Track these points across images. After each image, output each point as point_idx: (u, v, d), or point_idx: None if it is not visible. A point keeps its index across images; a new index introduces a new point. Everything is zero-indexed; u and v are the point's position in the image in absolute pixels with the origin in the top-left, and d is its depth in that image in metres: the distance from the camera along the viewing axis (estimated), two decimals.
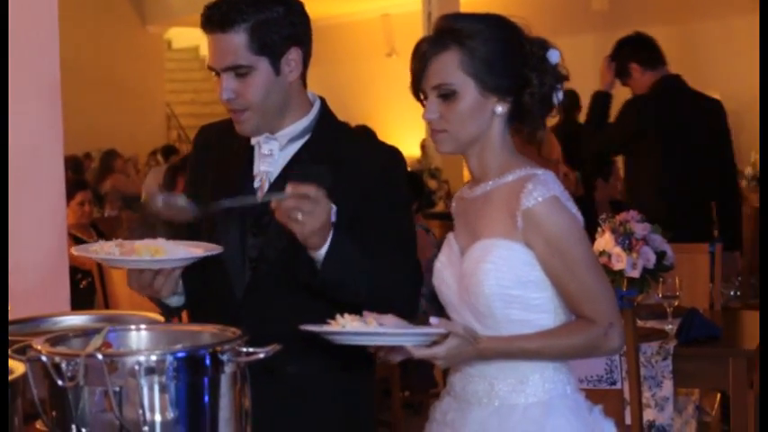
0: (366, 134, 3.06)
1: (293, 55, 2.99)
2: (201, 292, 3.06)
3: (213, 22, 2.94)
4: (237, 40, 2.92)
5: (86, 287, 7.18)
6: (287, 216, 2.67)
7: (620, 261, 4.72)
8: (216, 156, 3.15)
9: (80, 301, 4.49)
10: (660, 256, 4.76)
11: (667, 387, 4.58)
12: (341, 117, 3.15)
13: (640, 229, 4.80)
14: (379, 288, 2.86)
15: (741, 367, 4.57)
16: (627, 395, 4.29)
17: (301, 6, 3.03)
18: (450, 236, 2.90)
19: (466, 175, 3.02)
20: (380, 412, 6.77)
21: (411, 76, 2.79)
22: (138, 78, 18.81)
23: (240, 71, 2.94)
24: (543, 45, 2.77)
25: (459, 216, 2.91)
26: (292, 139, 3.04)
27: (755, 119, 6.72)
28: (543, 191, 2.67)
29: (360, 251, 2.83)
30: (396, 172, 3.08)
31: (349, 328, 2.52)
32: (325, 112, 3.11)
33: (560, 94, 2.78)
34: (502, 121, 2.77)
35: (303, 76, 3.06)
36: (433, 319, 2.59)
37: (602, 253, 4.77)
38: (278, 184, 2.95)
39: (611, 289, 2.78)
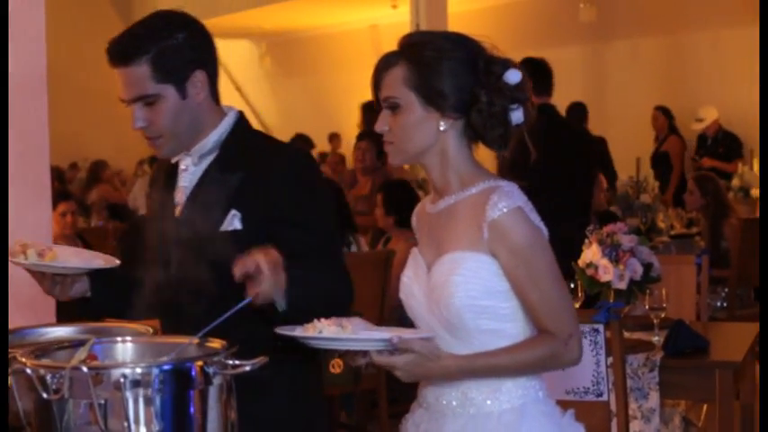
0: (276, 142, 3.15)
1: (198, 77, 3.09)
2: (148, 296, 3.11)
3: (116, 57, 3.07)
4: (141, 71, 3.03)
5: (69, 302, 7.14)
6: (247, 273, 2.75)
7: (608, 272, 4.71)
8: (160, 181, 3.29)
9: (65, 312, 4.46)
10: (647, 267, 4.76)
11: (654, 398, 4.59)
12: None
13: (627, 240, 4.79)
14: (330, 298, 2.97)
15: (727, 379, 4.57)
16: (613, 407, 4.29)
17: (202, 27, 3.14)
18: (416, 250, 2.94)
19: None
20: (367, 423, 6.77)
21: (371, 89, 2.87)
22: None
23: (148, 100, 3.06)
24: (505, 65, 2.79)
25: (423, 230, 2.96)
26: (204, 155, 3.15)
27: (746, 128, 6.77)
28: (508, 202, 2.70)
29: (307, 276, 2.88)
30: (303, 173, 3.11)
31: (326, 333, 2.56)
32: (239, 125, 3.19)
33: (519, 115, 2.79)
34: (455, 136, 2.81)
35: (213, 94, 3.15)
36: (393, 337, 2.60)
37: (589, 264, 4.77)
38: (192, 198, 3.11)
39: (571, 301, 2.83)
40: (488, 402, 2.76)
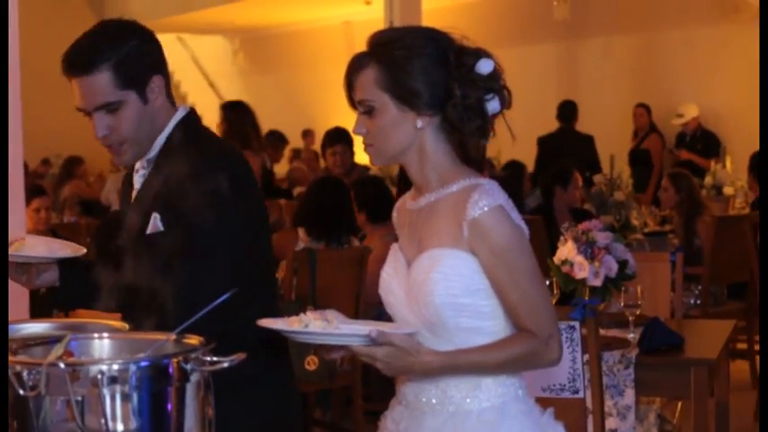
0: (208, 142, 3.14)
1: (156, 82, 3.13)
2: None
3: (76, 67, 3.08)
4: (103, 79, 3.05)
5: (46, 294, 7.12)
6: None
7: (583, 270, 4.71)
8: (128, 181, 3.32)
9: (39, 308, 4.44)
10: (622, 264, 4.76)
11: (629, 396, 4.60)
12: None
13: (602, 237, 4.79)
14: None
15: (702, 376, 4.58)
16: (589, 404, 4.30)
17: (151, 34, 3.17)
18: (396, 246, 2.92)
19: None
20: (342, 420, 6.77)
21: (344, 89, 2.85)
22: None
23: (111, 108, 3.08)
24: (476, 55, 2.78)
25: (403, 227, 2.95)
26: (150, 159, 3.17)
27: (721, 126, 6.79)
28: (489, 200, 2.69)
29: None
30: (215, 176, 3.01)
31: (312, 327, 2.57)
32: (184, 123, 3.19)
33: (495, 104, 2.78)
34: (432, 132, 2.79)
35: (169, 96, 3.18)
36: (372, 331, 2.60)
37: (564, 261, 4.76)
38: (136, 200, 3.17)
39: (550, 301, 2.82)
40: (468, 400, 2.76)
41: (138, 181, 3.19)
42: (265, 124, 14.00)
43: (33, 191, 7.93)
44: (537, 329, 2.70)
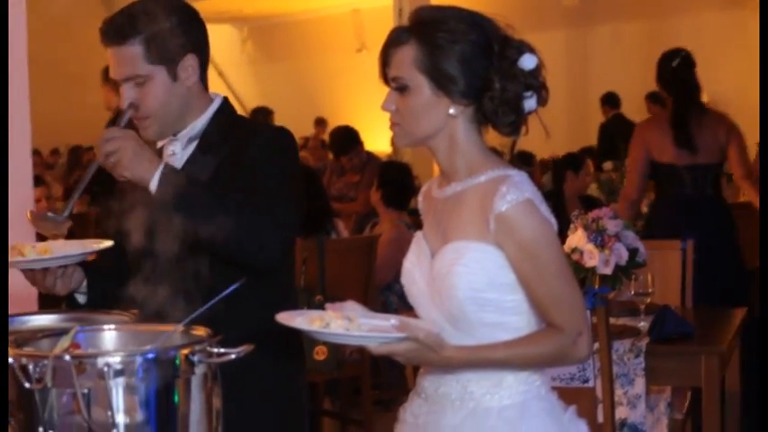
0: (257, 123, 3.21)
1: (189, 61, 3.15)
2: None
3: (110, 35, 3.12)
4: (134, 51, 3.09)
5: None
6: (104, 161, 2.93)
7: (593, 258, 4.69)
8: None
9: (47, 300, 4.43)
10: (632, 252, 4.73)
11: (640, 385, 4.57)
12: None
13: (613, 225, 4.77)
14: (239, 226, 2.90)
15: (713, 365, 4.56)
16: (599, 393, 4.28)
17: (195, 14, 3.20)
18: (419, 235, 2.85)
19: (436, 171, 2.98)
20: (351, 410, 6.76)
21: (379, 63, 2.76)
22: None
23: (138, 81, 3.10)
24: (520, 49, 2.69)
25: (428, 214, 2.86)
26: (191, 139, 3.19)
27: (732, 113, 6.75)
28: (517, 194, 2.61)
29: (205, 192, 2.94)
30: (276, 147, 3.14)
31: (334, 327, 2.49)
32: (223, 110, 3.23)
33: (532, 102, 2.69)
34: (465, 121, 2.71)
35: (203, 79, 3.21)
36: (393, 320, 2.56)
37: (574, 250, 4.74)
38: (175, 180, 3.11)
39: (581, 297, 2.72)
40: (488, 397, 2.69)
41: (175, 160, 3.16)
42: (274, 113, 14.02)
43: (34, 181, 7.92)
44: (565, 326, 2.63)
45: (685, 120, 6.53)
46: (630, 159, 6.84)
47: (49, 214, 3.07)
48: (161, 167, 2.92)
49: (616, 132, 11.85)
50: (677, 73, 6.65)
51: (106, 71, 6.12)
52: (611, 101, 13.38)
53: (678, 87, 6.63)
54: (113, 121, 3.29)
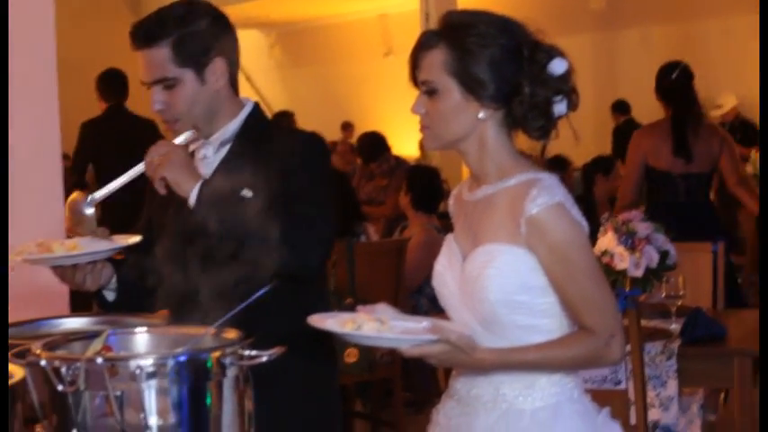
0: (290, 128, 3.23)
1: (218, 65, 3.15)
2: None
3: (139, 38, 3.14)
4: (162, 54, 3.11)
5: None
6: (152, 172, 3.01)
7: (623, 260, 4.68)
8: None
9: (79, 303, 4.46)
10: (663, 255, 4.72)
11: (672, 387, 4.56)
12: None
13: (643, 228, 4.75)
14: (282, 244, 2.88)
15: (746, 366, 4.54)
16: (631, 395, 4.27)
17: (224, 18, 3.21)
18: (450, 237, 2.85)
19: (464, 174, 2.97)
20: (382, 411, 6.76)
21: (408, 65, 2.77)
22: (134, 77, 18.76)
23: (167, 83, 3.13)
24: (549, 53, 2.68)
25: (459, 217, 2.86)
26: (223, 142, 3.20)
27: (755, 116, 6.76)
28: (548, 197, 2.61)
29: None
30: (310, 151, 3.17)
31: (366, 329, 2.50)
32: (255, 114, 3.24)
33: (562, 107, 2.69)
34: (495, 125, 2.71)
35: (233, 83, 3.22)
36: (425, 323, 2.56)
37: (604, 253, 4.73)
38: (209, 185, 3.10)
39: (613, 299, 2.72)
40: (521, 399, 2.68)
41: (201, 165, 3.18)
42: (301, 118, 14.03)
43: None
44: (597, 328, 2.62)
45: (683, 129, 6.61)
46: (627, 163, 6.97)
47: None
48: (201, 181, 2.97)
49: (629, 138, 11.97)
50: (676, 85, 6.76)
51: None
52: (620, 108, 13.70)
53: (677, 98, 6.73)
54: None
